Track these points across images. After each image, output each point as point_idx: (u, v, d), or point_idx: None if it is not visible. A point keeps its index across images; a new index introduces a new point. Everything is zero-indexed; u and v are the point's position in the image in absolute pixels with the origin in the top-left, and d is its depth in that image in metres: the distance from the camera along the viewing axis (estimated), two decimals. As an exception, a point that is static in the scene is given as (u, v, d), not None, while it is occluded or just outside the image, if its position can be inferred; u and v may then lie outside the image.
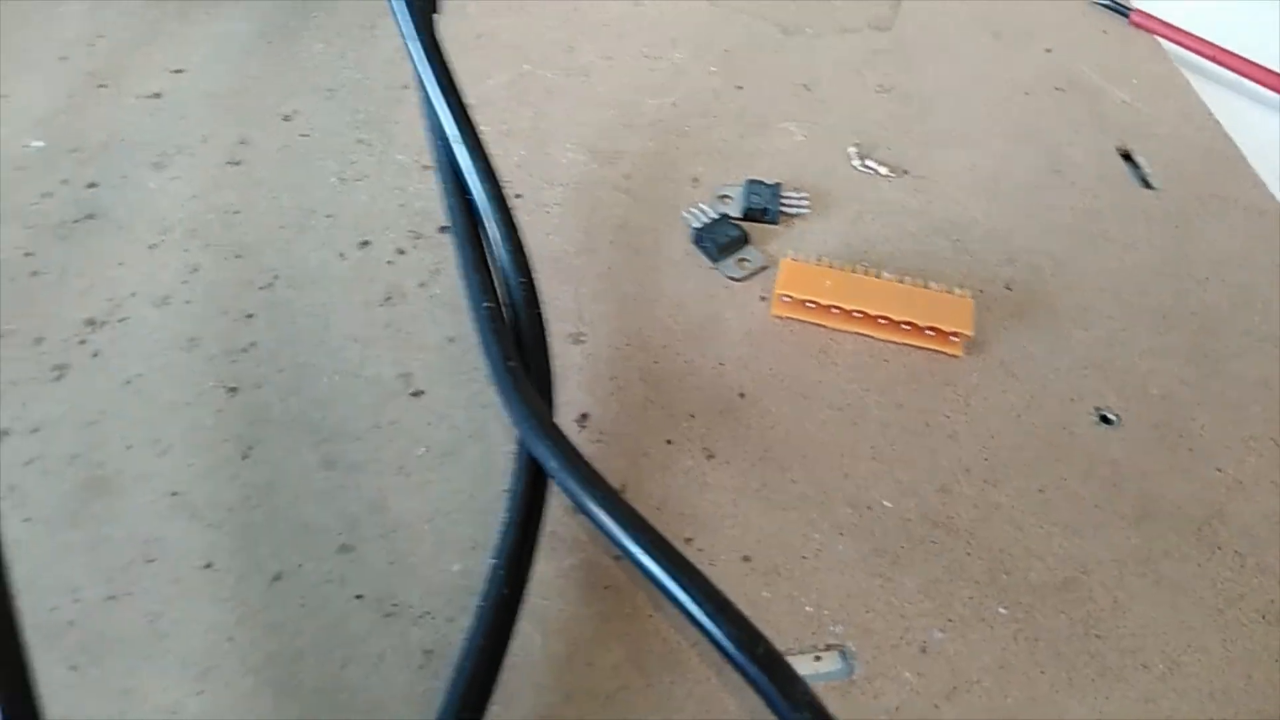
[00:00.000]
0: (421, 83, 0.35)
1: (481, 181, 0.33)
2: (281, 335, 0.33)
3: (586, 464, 0.27)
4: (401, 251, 0.36)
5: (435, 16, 0.35)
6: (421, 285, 0.35)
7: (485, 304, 0.31)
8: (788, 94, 0.43)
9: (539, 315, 0.32)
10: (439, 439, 0.31)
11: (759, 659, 0.23)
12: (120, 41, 0.42)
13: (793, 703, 0.22)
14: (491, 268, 0.33)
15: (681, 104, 0.42)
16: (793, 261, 0.35)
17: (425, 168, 0.38)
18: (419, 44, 0.34)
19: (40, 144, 0.37)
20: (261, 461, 0.30)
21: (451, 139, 0.34)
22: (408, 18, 0.35)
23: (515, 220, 0.33)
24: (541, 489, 0.28)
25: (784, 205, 0.38)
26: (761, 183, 0.38)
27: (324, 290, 0.34)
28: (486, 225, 0.33)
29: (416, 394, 0.32)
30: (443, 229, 0.36)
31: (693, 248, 0.37)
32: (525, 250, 0.32)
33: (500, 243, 0.32)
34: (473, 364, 0.32)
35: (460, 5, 0.45)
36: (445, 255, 0.36)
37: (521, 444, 0.28)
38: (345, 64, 0.42)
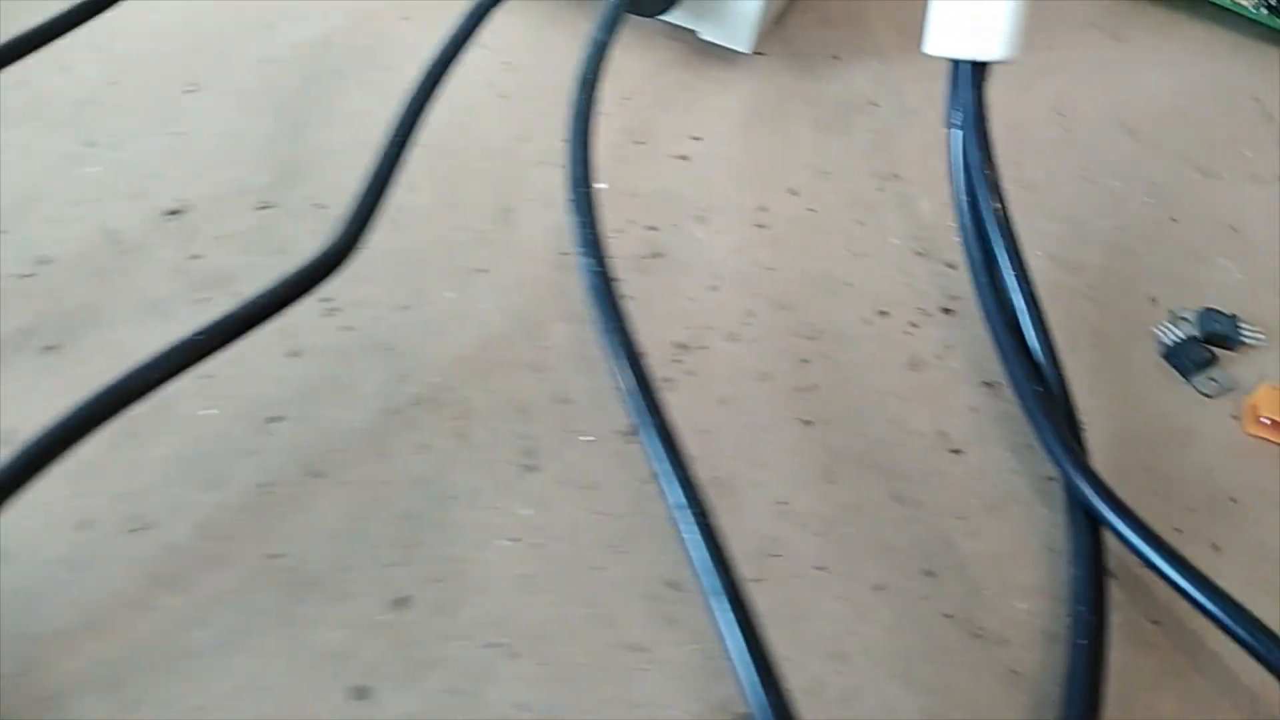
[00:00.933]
0: (965, 184, 0.41)
1: (1017, 279, 0.39)
2: (833, 381, 0.39)
3: (1157, 535, 0.32)
4: (914, 325, 0.41)
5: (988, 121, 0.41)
6: (938, 357, 0.40)
7: (1036, 388, 0.36)
8: (1218, 232, 0.48)
9: (1070, 400, 0.37)
10: (983, 493, 0.36)
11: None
12: (644, 104, 0.49)
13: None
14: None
15: (1125, 228, 0.47)
16: (1270, 387, 0.40)
17: (917, 254, 0.44)
18: (977, 148, 0.40)
19: (604, 186, 0.44)
20: (843, 486, 0.35)
21: (993, 233, 0.40)
22: (969, 115, 0.40)
23: (1046, 315, 0.38)
24: (1101, 549, 0.33)
25: (1242, 334, 0.42)
26: (1219, 311, 0.43)
27: (857, 348, 0.40)
28: (1019, 315, 0.39)
29: (955, 451, 0.37)
30: (945, 310, 0.42)
31: (1162, 361, 0.42)
32: (1056, 344, 0.38)
33: (1036, 335, 0.38)
34: (995, 432, 0.38)
35: (919, 116, 0.51)
36: (951, 334, 0.41)
37: (1083, 508, 0.34)
38: (831, 149, 0.48)
